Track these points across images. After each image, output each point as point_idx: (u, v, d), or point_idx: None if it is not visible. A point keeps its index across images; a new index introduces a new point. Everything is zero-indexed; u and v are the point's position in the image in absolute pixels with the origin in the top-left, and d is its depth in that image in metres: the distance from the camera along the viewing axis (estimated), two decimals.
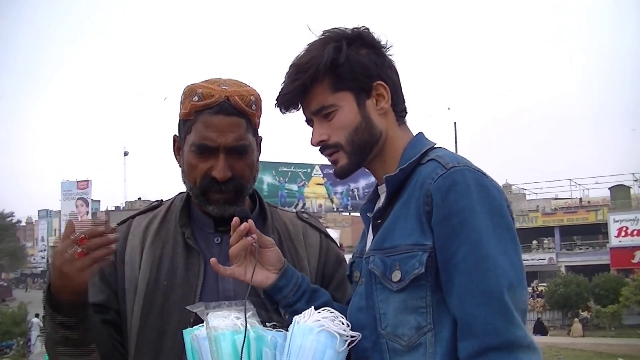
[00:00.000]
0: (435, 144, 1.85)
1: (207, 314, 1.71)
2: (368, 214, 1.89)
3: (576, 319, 30.30)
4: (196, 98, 2.00)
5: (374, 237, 1.80)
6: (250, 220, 1.84)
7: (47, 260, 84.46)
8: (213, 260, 1.85)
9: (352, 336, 1.70)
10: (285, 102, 1.83)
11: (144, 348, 1.95)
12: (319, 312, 1.71)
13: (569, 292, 32.74)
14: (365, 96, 1.80)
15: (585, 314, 32.94)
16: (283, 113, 1.86)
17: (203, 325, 1.71)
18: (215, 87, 2.02)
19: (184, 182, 2.09)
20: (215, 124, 1.98)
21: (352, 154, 1.82)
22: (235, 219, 1.83)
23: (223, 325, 1.67)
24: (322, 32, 1.83)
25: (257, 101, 2.07)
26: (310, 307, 1.81)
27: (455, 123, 33.69)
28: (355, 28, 1.83)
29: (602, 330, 30.37)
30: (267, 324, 1.76)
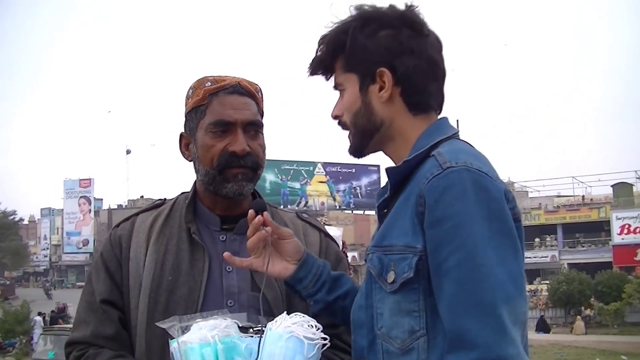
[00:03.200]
0: (457, 132, 1.75)
1: (181, 327, 1.73)
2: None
3: (579, 317, 30.32)
4: (209, 83, 2.08)
5: (379, 227, 1.77)
6: (265, 213, 1.86)
7: (50, 259, 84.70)
8: (227, 254, 1.88)
9: (323, 338, 1.70)
10: (311, 68, 1.85)
11: (153, 344, 1.96)
12: (291, 318, 1.71)
13: (572, 290, 32.78)
14: (369, 81, 1.74)
15: (587, 311, 32.96)
16: (308, 76, 1.87)
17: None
18: (224, 76, 2.12)
19: (197, 171, 2.11)
20: (231, 102, 2.06)
21: (356, 136, 1.80)
22: (251, 212, 1.85)
23: (192, 338, 1.68)
24: (353, 7, 1.78)
25: (261, 91, 2.17)
26: (332, 297, 1.86)
27: (457, 120, 33.49)
28: (392, 5, 1.77)
29: (605, 327, 30.37)
30: (253, 329, 1.76)
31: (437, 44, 1.78)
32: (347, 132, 1.83)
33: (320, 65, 1.83)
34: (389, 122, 1.75)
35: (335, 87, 1.83)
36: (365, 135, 1.78)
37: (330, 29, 1.79)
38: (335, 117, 1.84)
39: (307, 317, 1.72)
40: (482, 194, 1.52)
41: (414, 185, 1.63)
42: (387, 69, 1.71)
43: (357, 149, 1.82)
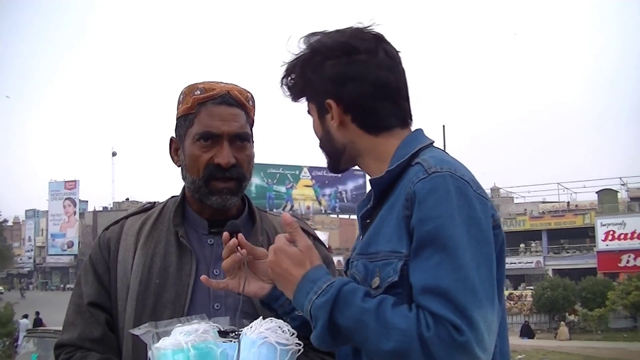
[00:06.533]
0: (432, 142, 1.78)
1: (158, 333, 1.73)
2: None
3: (563, 322, 30.52)
4: (198, 92, 2.08)
5: (362, 237, 1.79)
6: (240, 235, 1.87)
7: (34, 261, 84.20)
8: (204, 277, 1.90)
9: (297, 344, 1.70)
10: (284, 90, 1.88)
11: (139, 347, 1.95)
12: (265, 323, 1.71)
13: (556, 296, 32.94)
14: (324, 111, 1.79)
15: (572, 317, 33.16)
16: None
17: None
18: (214, 83, 2.11)
19: (184, 179, 2.12)
20: (218, 113, 2.06)
21: (327, 157, 1.87)
22: (225, 234, 1.87)
23: (166, 344, 1.67)
24: (307, 35, 1.81)
25: (253, 99, 2.16)
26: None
27: (444, 126, 33.55)
28: (339, 30, 1.80)
29: (589, 333, 30.58)
30: (235, 332, 1.76)
31: (387, 61, 1.76)
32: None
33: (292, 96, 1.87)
34: (351, 145, 1.79)
35: (308, 112, 1.87)
36: (332, 157, 1.85)
37: (284, 65, 1.83)
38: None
39: (281, 322, 1.72)
40: (463, 200, 1.56)
41: (399, 192, 1.65)
42: (332, 100, 1.75)
43: (332, 168, 1.89)
